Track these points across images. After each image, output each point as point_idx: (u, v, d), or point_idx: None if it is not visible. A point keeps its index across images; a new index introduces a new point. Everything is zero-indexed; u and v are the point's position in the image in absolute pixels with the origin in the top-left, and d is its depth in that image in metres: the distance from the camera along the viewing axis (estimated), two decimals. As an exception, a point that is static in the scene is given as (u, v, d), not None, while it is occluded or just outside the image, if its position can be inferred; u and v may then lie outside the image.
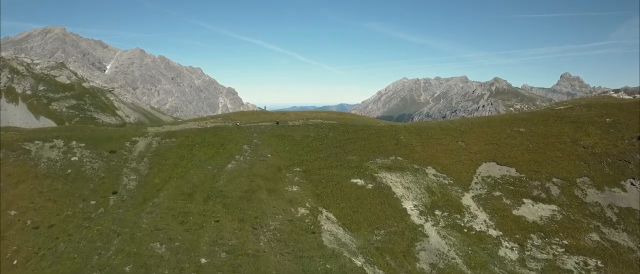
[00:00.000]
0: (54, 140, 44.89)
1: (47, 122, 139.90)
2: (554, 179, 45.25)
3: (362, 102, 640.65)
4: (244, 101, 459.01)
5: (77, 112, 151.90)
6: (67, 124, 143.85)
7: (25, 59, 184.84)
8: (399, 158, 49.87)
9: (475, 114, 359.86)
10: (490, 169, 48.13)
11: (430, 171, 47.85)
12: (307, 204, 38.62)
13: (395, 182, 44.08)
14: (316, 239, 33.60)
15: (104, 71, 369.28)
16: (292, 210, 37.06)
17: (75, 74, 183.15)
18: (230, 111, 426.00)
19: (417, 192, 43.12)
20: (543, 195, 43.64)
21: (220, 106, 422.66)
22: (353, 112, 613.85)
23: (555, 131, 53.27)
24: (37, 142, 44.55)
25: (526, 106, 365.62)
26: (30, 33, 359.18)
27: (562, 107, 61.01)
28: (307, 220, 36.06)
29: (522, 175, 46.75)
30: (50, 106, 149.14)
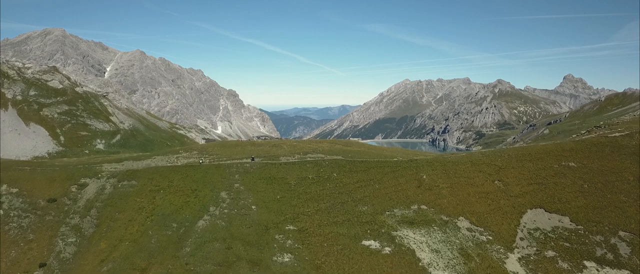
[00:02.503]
0: (-21, 184, 35.77)
1: (37, 129, 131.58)
2: (621, 233, 35.06)
3: (364, 103, 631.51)
4: (245, 103, 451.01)
5: (68, 118, 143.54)
6: (58, 131, 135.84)
7: (17, 63, 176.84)
8: (423, 207, 39.47)
9: (478, 116, 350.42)
10: (537, 218, 37.82)
11: (463, 223, 37.68)
12: (303, 283, 28.95)
13: (420, 244, 33.92)
14: None
15: (104, 73, 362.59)
16: (283, 294, 27.47)
17: (68, 78, 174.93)
18: (231, 113, 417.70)
19: (448, 256, 33.08)
20: (609, 256, 33.56)
21: (221, 108, 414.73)
22: (355, 113, 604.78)
23: (613, 165, 42.83)
24: (-45, 187, 35.21)
25: (530, 109, 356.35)
26: (30, 35, 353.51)
27: (617, 134, 49.83)
28: (302, 310, 26.51)
29: (578, 227, 36.44)
30: (41, 112, 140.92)
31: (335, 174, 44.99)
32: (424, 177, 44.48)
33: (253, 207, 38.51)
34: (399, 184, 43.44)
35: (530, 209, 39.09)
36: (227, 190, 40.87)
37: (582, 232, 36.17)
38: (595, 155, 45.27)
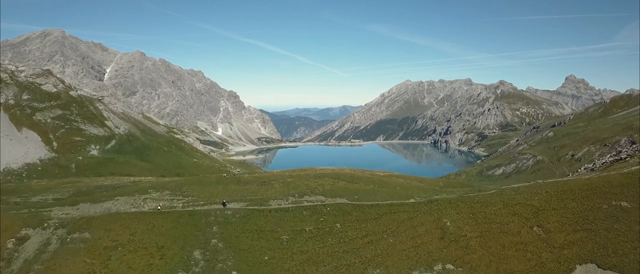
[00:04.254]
0: None
1: (29, 135, 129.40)
2: (698, 298, 28.85)
3: (365, 104, 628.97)
4: (246, 104, 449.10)
5: (62, 123, 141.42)
6: (51, 136, 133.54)
7: (10, 66, 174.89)
8: (449, 266, 32.25)
9: (480, 117, 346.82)
10: (590, 277, 30.32)
11: (500, 289, 30.43)
12: None
13: (448, 322, 27.86)
14: None
15: (104, 74, 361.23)
16: None
17: (63, 81, 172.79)
18: (232, 114, 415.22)
19: None
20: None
21: (221, 109, 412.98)
22: (356, 114, 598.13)
23: (675, 205, 35.05)
24: None
25: (533, 110, 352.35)
26: (29, 36, 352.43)
27: (673, 161, 42.70)
28: None
29: (642, 290, 29.26)
30: (34, 117, 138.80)
31: (338, 225, 36.55)
32: (448, 224, 36.74)
33: (234, 273, 31.86)
34: (417, 235, 35.54)
35: (580, 264, 31.33)
36: (201, 248, 33.14)
37: (648, 298, 28.53)
38: (651, 191, 36.13)
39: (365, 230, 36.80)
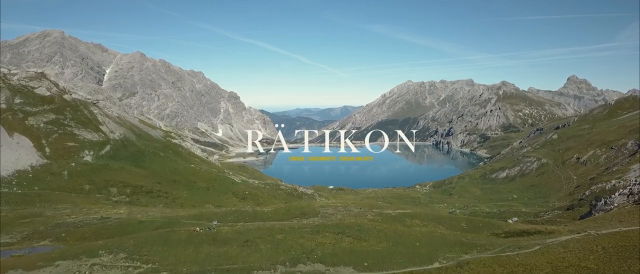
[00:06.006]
0: None
1: (21, 140, 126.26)
2: None
3: (367, 105, 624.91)
4: (246, 104, 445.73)
5: (55, 128, 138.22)
6: (43, 142, 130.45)
7: (2, 69, 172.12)
8: None
9: (482, 118, 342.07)
10: None
11: None
12: None
13: None
14: None
15: (103, 75, 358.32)
16: None
17: (57, 85, 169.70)
18: (232, 115, 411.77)
19: None
20: None
21: (221, 110, 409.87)
22: (357, 115, 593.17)
23: None
24: None
25: (535, 111, 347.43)
26: (28, 37, 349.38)
27: None
28: None
29: None
30: (26, 121, 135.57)
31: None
32: (483, 296, 28.24)
33: None
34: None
35: None
36: None
37: None
38: None
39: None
